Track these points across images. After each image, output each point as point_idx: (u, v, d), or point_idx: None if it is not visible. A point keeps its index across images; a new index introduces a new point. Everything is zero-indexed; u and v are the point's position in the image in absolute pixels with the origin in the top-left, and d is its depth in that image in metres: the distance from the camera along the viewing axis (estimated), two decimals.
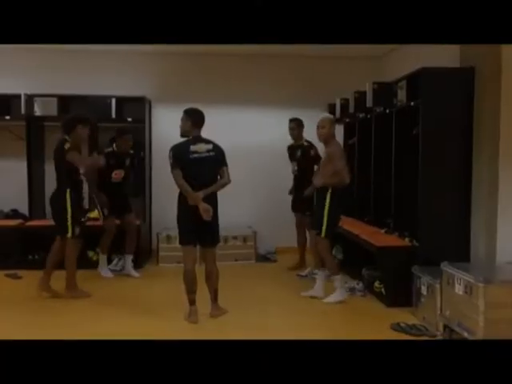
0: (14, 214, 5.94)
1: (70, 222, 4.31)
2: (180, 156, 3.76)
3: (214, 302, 4.00)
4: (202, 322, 3.84)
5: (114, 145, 5.24)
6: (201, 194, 3.70)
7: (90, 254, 5.65)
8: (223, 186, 3.87)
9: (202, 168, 3.74)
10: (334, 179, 4.31)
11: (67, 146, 4.30)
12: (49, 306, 4.28)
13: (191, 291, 3.84)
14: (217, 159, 3.81)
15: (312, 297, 4.50)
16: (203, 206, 3.66)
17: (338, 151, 4.39)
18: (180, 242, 3.89)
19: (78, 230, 4.37)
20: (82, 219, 4.54)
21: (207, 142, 3.84)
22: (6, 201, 5.96)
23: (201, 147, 3.77)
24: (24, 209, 5.87)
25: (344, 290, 4.48)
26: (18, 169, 5.81)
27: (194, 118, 3.86)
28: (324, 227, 4.34)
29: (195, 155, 3.74)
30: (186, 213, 3.76)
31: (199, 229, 3.76)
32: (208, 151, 3.78)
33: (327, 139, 4.41)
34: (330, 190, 4.33)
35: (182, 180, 3.72)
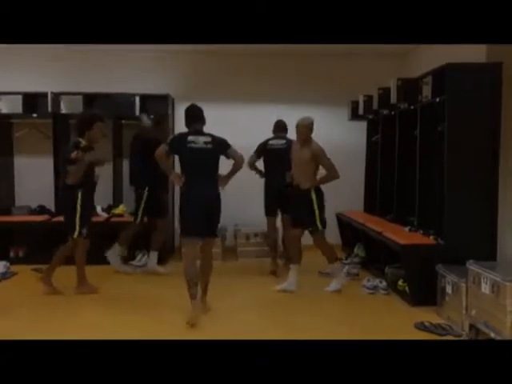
0: (41, 209, 6.06)
1: (78, 223, 4.35)
2: (178, 142, 3.92)
3: (203, 296, 4.00)
4: (213, 323, 3.85)
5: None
6: (227, 179, 3.95)
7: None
8: (239, 167, 3.96)
9: (197, 158, 3.85)
10: (327, 177, 4.49)
11: (82, 144, 4.30)
12: (65, 302, 4.33)
13: (193, 285, 3.83)
14: (214, 151, 3.89)
15: (285, 290, 4.56)
16: (174, 175, 3.99)
17: (322, 148, 4.48)
18: (183, 237, 3.93)
19: (85, 231, 4.41)
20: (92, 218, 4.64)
21: (206, 134, 3.93)
22: (33, 197, 6.08)
23: (198, 139, 3.87)
24: (51, 205, 5.98)
25: (343, 276, 4.63)
26: (45, 166, 5.94)
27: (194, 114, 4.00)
28: (318, 222, 4.48)
29: (192, 145, 3.85)
30: (190, 208, 3.84)
31: (202, 220, 3.82)
32: (205, 143, 3.87)
33: (305, 141, 4.50)
34: (313, 190, 4.46)
35: (164, 154, 3.87)
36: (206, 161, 3.89)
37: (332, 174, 4.48)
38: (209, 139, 3.89)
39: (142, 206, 5.19)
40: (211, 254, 4.09)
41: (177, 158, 4.13)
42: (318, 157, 4.46)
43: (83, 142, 4.35)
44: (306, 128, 4.49)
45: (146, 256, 5.48)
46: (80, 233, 4.39)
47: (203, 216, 3.82)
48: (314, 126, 4.57)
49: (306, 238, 4.74)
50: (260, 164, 5.41)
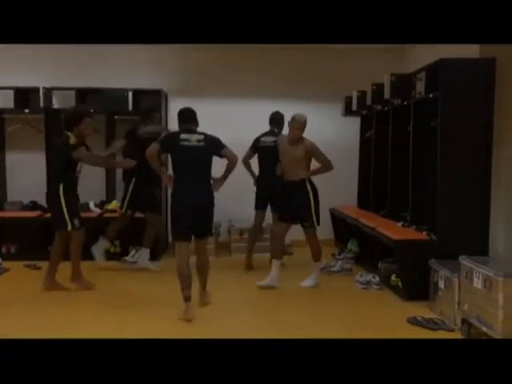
0: (33, 205, 6.03)
1: (67, 216, 4.34)
2: (171, 140, 3.93)
3: (203, 290, 4.11)
4: (214, 321, 3.84)
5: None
6: (222, 180, 3.93)
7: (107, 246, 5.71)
8: (233, 167, 3.93)
9: (189, 157, 3.84)
10: (321, 169, 4.53)
11: (72, 141, 4.30)
12: (58, 298, 4.31)
13: (187, 287, 3.80)
14: (207, 149, 3.87)
15: (268, 287, 4.54)
16: (166, 176, 4.04)
17: (314, 144, 4.50)
18: (175, 238, 3.95)
19: (77, 222, 4.40)
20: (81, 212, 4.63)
21: (199, 133, 3.91)
22: (26, 193, 6.04)
23: (191, 137, 3.85)
24: (43, 201, 5.90)
25: (317, 276, 4.72)
26: (37, 161, 5.88)
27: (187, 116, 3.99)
28: (315, 218, 4.51)
29: (185, 143, 3.83)
30: (182, 208, 3.82)
31: (195, 221, 3.81)
32: (198, 141, 3.85)
33: (296, 140, 4.49)
34: (308, 183, 4.49)
35: (155, 154, 3.88)
36: (198, 159, 3.86)
37: (326, 167, 4.52)
38: (201, 137, 3.86)
39: (128, 196, 5.18)
40: (206, 252, 4.08)
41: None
42: (313, 153, 4.47)
43: (72, 137, 4.34)
44: (300, 125, 4.47)
45: (139, 252, 5.46)
46: (73, 224, 4.37)
47: (194, 217, 3.79)
48: (308, 122, 4.56)
49: (300, 234, 4.74)
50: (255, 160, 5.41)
